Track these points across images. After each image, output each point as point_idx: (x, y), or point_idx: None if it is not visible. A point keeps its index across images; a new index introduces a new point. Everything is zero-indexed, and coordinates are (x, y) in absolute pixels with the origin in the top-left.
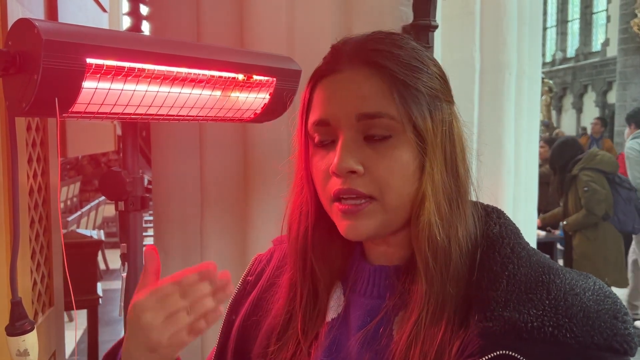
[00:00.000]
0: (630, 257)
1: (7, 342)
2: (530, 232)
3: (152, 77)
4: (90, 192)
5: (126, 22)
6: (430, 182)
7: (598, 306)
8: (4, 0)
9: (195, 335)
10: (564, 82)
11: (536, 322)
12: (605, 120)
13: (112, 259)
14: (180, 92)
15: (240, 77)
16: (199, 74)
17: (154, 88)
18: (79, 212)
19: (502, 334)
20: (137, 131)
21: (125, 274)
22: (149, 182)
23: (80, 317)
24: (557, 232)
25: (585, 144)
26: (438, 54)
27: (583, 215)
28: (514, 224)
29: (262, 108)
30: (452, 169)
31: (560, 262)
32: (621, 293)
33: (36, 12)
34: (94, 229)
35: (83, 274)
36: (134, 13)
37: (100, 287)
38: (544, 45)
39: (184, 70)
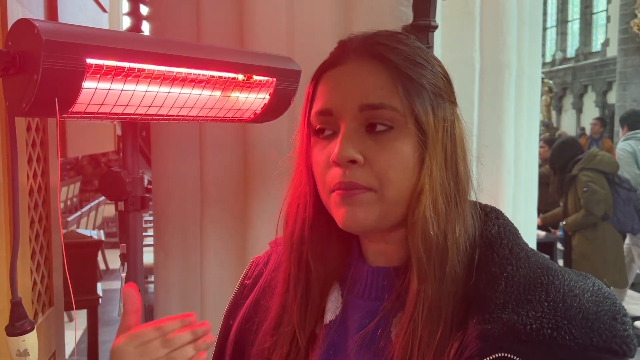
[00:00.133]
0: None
1: (7, 342)
2: (530, 233)
3: (152, 78)
4: (90, 192)
5: (126, 22)
6: (428, 177)
7: (597, 307)
8: (3, 0)
9: None
10: (564, 82)
11: (535, 324)
12: (605, 121)
13: (112, 259)
14: (180, 92)
15: (240, 77)
16: (199, 74)
17: (153, 88)
18: (79, 212)
19: (501, 336)
20: (137, 131)
21: (124, 274)
22: (149, 182)
23: (80, 317)
24: (558, 232)
25: (584, 144)
26: (438, 54)
27: (582, 215)
28: (513, 224)
29: (262, 108)
30: (451, 167)
31: (561, 262)
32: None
33: (36, 12)
34: (94, 229)
35: (83, 274)
36: (134, 13)
37: (100, 287)
38: (544, 45)
39: (183, 70)
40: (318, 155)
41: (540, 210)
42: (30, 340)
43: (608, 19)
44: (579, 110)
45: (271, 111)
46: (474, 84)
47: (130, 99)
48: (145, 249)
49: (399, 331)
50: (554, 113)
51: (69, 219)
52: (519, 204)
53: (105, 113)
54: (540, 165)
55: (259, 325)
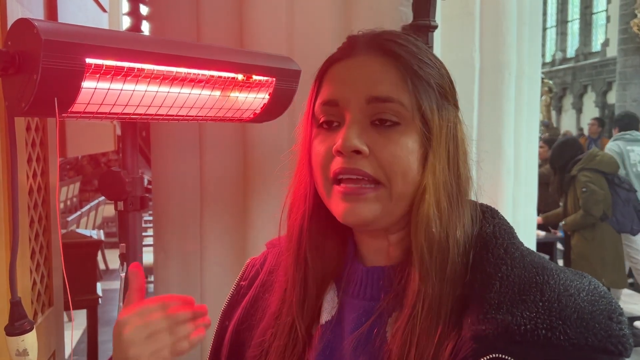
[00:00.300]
0: None
1: (6, 342)
2: (530, 233)
3: (152, 77)
4: (90, 192)
5: (126, 22)
6: (431, 175)
7: (592, 307)
8: (3, 0)
9: (176, 355)
10: (564, 82)
11: (529, 324)
12: (603, 121)
13: (112, 259)
14: (179, 92)
15: (240, 77)
16: (199, 74)
17: (153, 88)
18: (78, 212)
19: (495, 337)
20: (137, 131)
21: (124, 274)
22: (149, 182)
23: (80, 317)
24: (558, 233)
25: (583, 144)
26: (438, 54)
27: (581, 215)
28: (509, 223)
29: (261, 108)
30: (454, 168)
31: (560, 262)
32: None
33: (36, 12)
34: (93, 229)
35: (83, 274)
36: (134, 13)
37: (100, 287)
38: (543, 45)
39: (183, 70)
40: (318, 147)
41: (540, 211)
42: (30, 340)
43: (608, 19)
44: (578, 110)
45: (271, 111)
46: (474, 84)
47: (129, 98)
48: (145, 249)
49: (396, 330)
50: (553, 113)
51: (69, 218)
52: (519, 204)
53: (105, 113)
54: (540, 166)
55: (256, 323)
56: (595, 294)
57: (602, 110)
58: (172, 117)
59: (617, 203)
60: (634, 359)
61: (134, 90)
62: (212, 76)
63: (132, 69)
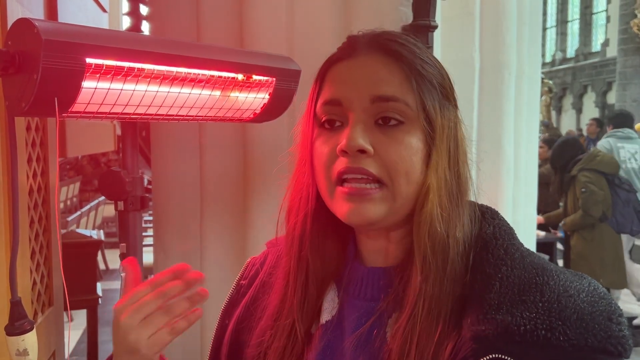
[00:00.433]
0: None
1: (6, 342)
2: (530, 233)
3: (152, 77)
4: (90, 192)
5: (126, 22)
6: (434, 175)
7: (592, 308)
8: (3, 0)
9: (176, 334)
10: (564, 82)
11: (529, 325)
12: (601, 121)
13: (112, 259)
14: (179, 92)
15: (240, 77)
16: (199, 74)
17: (153, 88)
18: (78, 212)
19: (495, 337)
20: (137, 131)
21: (124, 274)
22: (149, 182)
23: (80, 317)
24: (558, 233)
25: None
26: (438, 54)
27: (580, 216)
28: (509, 224)
29: (261, 108)
30: (454, 168)
31: (560, 262)
32: None
33: (36, 12)
34: (93, 229)
35: (83, 274)
36: (134, 13)
37: (99, 287)
38: (543, 45)
39: (183, 70)
40: (321, 147)
41: (540, 211)
42: (30, 340)
43: (608, 19)
44: (578, 110)
45: (271, 111)
46: (474, 84)
47: (129, 98)
48: (145, 249)
49: (397, 329)
50: (553, 113)
51: (69, 218)
52: (519, 204)
53: (105, 113)
54: (540, 166)
55: (256, 323)
56: (595, 295)
57: (602, 110)
58: (172, 117)
59: (617, 204)
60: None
61: (134, 90)
62: (212, 76)
63: (132, 68)
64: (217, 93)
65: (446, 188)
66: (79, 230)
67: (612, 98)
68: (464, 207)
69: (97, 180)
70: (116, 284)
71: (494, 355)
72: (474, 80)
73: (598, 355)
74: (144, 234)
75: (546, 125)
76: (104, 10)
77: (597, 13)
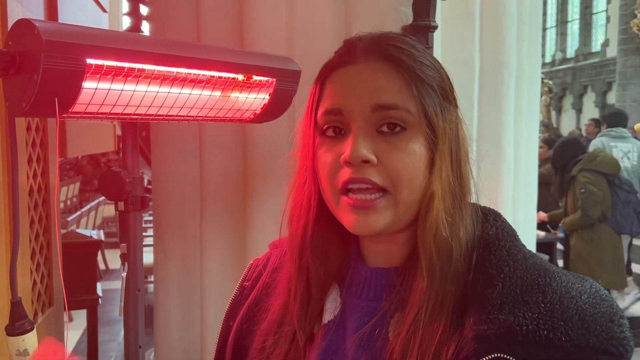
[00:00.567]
0: None
1: (7, 342)
2: (530, 233)
3: (152, 78)
4: (90, 192)
5: (126, 22)
6: (438, 180)
7: (594, 309)
8: (4, 1)
9: None
10: (564, 82)
11: (531, 325)
12: (600, 121)
13: (112, 259)
14: (180, 93)
15: (240, 77)
16: (199, 75)
17: (153, 88)
18: (78, 212)
19: (497, 337)
20: (137, 131)
21: (125, 273)
22: (149, 182)
23: (80, 317)
24: (558, 233)
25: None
26: (438, 54)
27: (579, 216)
28: (511, 226)
29: (261, 108)
30: (457, 169)
31: (560, 262)
32: None
33: (36, 12)
34: (93, 229)
35: (83, 274)
36: (134, 13)
37: (99, 287)
38: (543, 45)
39: (183, 70)
40: (325, 156)
41: (541, 211)
42: (30, 340)
43: (608, 19)
44: (578, 110)
45: (271, 111)
46: (474, 84)
47: (130, 99)
48: (145, 249)
49: (399, 331)
50: (553, 113)
51: (69, 218)
52: (519, 204)
53: (105, 113)
54: (539, 166)
55: (258, 325)
56: (597, 297)
57: (602, 110)
58: (172, 118)
59: (616, 204)
60: None
61: (134, 91)
62: (213, 76)
63: (133, 69)
64: (218, 93)
65: (450, 191)
66: (79, 230)
67: (612, 98)
68: (466, 208)
69: (98, 181)
70: (116, 284)
71: (496, 355)
72: (474, 80)
73: (599, 356)
74: (144, 234)
75: (546, 125)
76: (104, 10)
77: (597, 13)
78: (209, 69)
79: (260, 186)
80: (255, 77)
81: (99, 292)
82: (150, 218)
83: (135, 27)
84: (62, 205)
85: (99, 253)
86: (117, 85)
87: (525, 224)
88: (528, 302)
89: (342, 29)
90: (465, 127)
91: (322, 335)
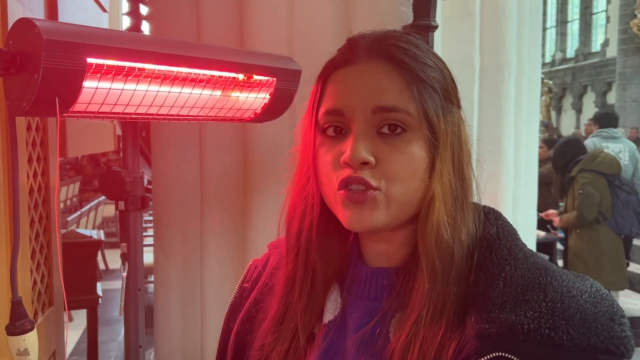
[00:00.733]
0: None
1: (7, 342)
2: (530, 233)
3: (153, 77)
4: (90, 192)
5: (126, 22)
6: (439, 182)
7: (595, 308)
8: (4, 0)
9: None
10: (564, 82)
11: (532, 324)
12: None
13: (112, 258)
14: (180, 92)
15: (241, 77)
16: (199, 74)
17: (154, 88)
18: (78, 212)
19: (499, 336)
20: (137, 131)
21: (125, 273)
22: (149, 182)
23: (80, 317)
24: (558, 233)
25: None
26: (438, 54)
27: (574, 216)
28: (511, 225)
29: (262, 108)
30: (459, 171)
31: (560, 262)
32: None
33: (36, 11)
34: (93, 228)
35: (83, 274)
36: (134, 13)
37: (100, 287)
38: (543, 45)
39: (184, 70)
40: (325, 156)
41: (540, 212)
42: (31, 340)
43: (608, 19)
44: (578, 110)
45: (271, 111)
46: (474, 84)
47: (130, 98)
48: (145, 248)
49: (400, 331)
50: (553, 113)
51: (69, 218)
52: (519, 204)
53: (106, 112)
54: (539, 166)
55: (258, 325)
56: (598, 296)
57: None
58: (173, 117)
59: (616, 205)
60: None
61: (134, 90)
62: (213, 76)
63: (133, 68)
64: (218, 93)
65: (451, 194)
66: (79, 230)
67: (612, 98)
68: (468, 209)
69: (98, 180)
70: (116, 284)
71: (497, 354)
72: (474, 80)
73: (600, 355)
74: (144, 233)
75: (546, 126)
76: (104, 10)
77: (597, 13)
78: (210, 69)
79: (260, 186)
80: (255, 77)
81: (99, 292)
82: (150, 218)
83: (135, 27)
84: (62, 205)
85: (99, 253)
86: (118, 85)
87: (525, 224)
88: (529, 301)
89: (342, 29)
90: (469, 128)
91: (322, 335)
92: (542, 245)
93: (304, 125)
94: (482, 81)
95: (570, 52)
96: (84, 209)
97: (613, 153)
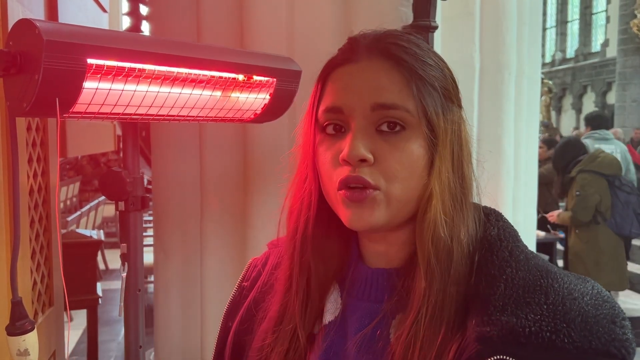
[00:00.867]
0: None
1: (7, 342)
2: (530, 233)
3: (153, 78)
4: (90, 192)
5: (126, 22)
6: (437, 180)
7: (596, 311)
8: (4, 1)
9: None
10: (564, 82)
11: (534, 327)
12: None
13: (112, 259)
14: (180, 93)
15: (241, 77)
16: (199, 75)
17: (154, 88)
18: (78, 212)
19: (500, 339)
20: (137, 131)
21: (125, 273)
22: (149, 182)
23: (80, 317)
24: (559, 233)
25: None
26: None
27: (569, 216)
28: (513, 226)
29: (262, 108)
30: (458, 170)
31: (560, 262)
32: None
33: (36, 12)
34: (93, 229)
35: (83, 274)
36: (134, 13)
37: (99, 287)
38: (543, 45)
39: (184, 70)
40: (325, 154)
41: (539, 212)
42: (31, 340)
43: (608, 19)
44: (578, 110)
45: (271, 111)
46: (474, 84)
47: (130, 99)
48: (145, 248)
49: (400, 332)
50: (553, 113)
51: (69, 218)
52: (519, 204)
53: (106, 113)
54: (539, 166)
55: (258, 325)
56: (599, 299)
57: (602, 110)
58: (173, 118)
59: (616, 205)
60: None
61: (135, 91)
62: (213, 76)
63: (133, 69)
64: (218, 94)
65: (450, 193)
66: (79, 230)
67: (611, 98)
68: (468, 210)
69: (98, 181)
70: (116, 284)
71: (498, 357)
72: (474, 80)
73: (602, 358)
74: (144, 234)
75: (546, 126)
76: (104, 10)
77: (596, 13)
78: (210, 69)
79: (260, 186)
80: (255, 77)
81: (99, 292)
82: (150, 218)
83: (135, 27)
84: (61, 205)
85: (99, 253)
86: (118, 86)
87: (525, 224)
88: (530, 303)
89: (342, 29)
90: (469, 128)
91: (322, 336)
92: (542, 246)
93: (305, 124)
94: (482, 81)
95: (570, 52)
96: (84, 209)
97: None
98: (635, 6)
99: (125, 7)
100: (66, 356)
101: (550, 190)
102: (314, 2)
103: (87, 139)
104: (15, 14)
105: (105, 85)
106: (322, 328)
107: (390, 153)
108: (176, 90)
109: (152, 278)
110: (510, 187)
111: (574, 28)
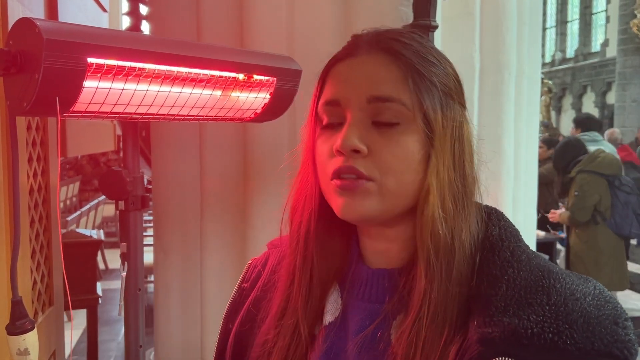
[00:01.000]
0: None
1: (7, 341)
2: (530, 233)
3: (153, 77)
4: (90, 191)
5: (126, 22)
6: (434, 175)
7: (598, 312)
8: (4, 0)
9: None
10: (564, 82)
11: (536, 328)
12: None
13: (112, 258)
14: (180, 92)
15: (241, 76)
16: (200, 74)
17: (154, 88)
18: (78, 212)
19: (502, 340)
20: (137, 131)
21: (125, 273)
22: (149, 182)
23: (80, 316)
24: (559, 233)
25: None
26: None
27: (567, 216)
28: (514, 226)
29: (262, 108)
30: (459, 169)
31: (559, 262)
32: None
33: (36, 11)
34: (93, 228)
35: (83, 274)
36: (134, 13)
37: (99, 286)
38: (543, 45)
39: (184, 69)
40: (322, 146)
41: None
42: (31, 340)
43: (607, 19)
44: (578, 110)
45: (272, 111)
46: (474, 85)
47: (130, 98)
48: (145, 248)
49: (402, 332)
50: (553, 113)
51: (69, 218)
52: (519, 204)
53: (106, 112)
54: (539, 166)
55: (259, 324)
56: (601, 299)
57: (602, 110)
58: (173, 117)
59: (616, 205)
60: None
61: (135, 90)
62: (213, 76)
63: (134, 68)
64: (218, 93)
65: (450, 190)
66: (79, 230)
67: (611, 98)
68: (470, 209)
69: (98, 180)
70: (116, 284)
71: (500, 359)
72: (474, 80)
73: (604, 358)
74: (144, 233)
75: (546, 126)
76: (104, 10)
77: (596, 13)
78: (210, 69)
79: (260, 186)
80: (256, 77)
81: (99, 291)
82: (150, 218)
83: (135, 27)
84: (61, 204)
85: (99, 253)
86: (118, 85)
87: (526, 224)
88: (532, 304)
89: (342, 29)
90: (472, 128)
91: (323, 336)
92: (542, 245)
93: (307, 120)
94: (482, 81)
95: (570, 52)
96: (83, 209)
97: None
98: (635, 6)
99: (125, 6)
100: (66, 356)
101: (551, 190)
102: (314, 2)
103: (87, 138)
104: (15, 13)
105: (105, 84)
106: (323, 329)
107: (385, 146)
108: (176, 89)
109: (152, 278)
110: (510, 187)
111: (573, 28)
